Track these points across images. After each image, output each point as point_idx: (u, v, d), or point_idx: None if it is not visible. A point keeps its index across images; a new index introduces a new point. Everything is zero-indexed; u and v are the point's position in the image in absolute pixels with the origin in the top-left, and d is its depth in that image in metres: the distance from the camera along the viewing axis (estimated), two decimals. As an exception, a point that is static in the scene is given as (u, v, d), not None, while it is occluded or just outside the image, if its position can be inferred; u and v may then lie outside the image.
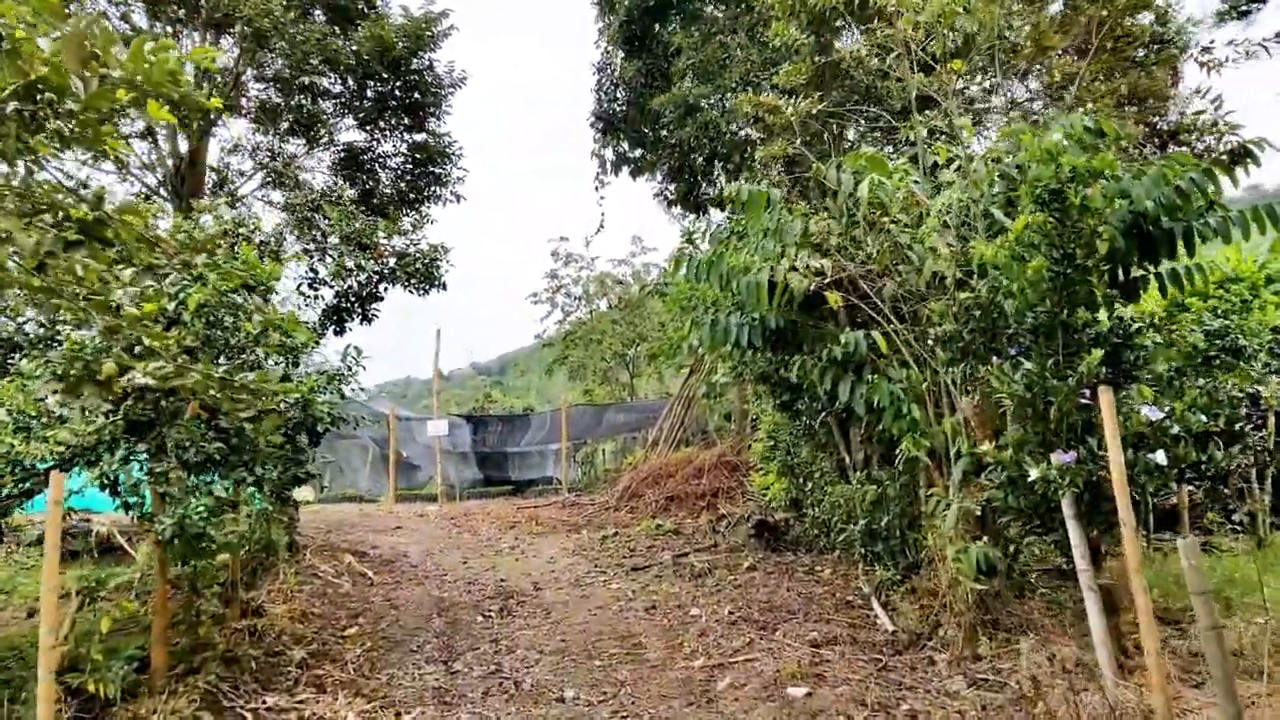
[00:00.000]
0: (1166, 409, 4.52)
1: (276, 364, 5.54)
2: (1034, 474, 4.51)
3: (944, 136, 6.18)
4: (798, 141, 6.03)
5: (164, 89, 3.32)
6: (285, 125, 10.74)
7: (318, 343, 6.02)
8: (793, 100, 6.11)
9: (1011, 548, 6.03)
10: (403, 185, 12.02)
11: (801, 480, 9.51)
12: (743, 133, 9.35)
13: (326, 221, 8.20)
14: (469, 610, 7.85)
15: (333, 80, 11.37)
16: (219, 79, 11.01)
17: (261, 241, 6.38)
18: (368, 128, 11.93)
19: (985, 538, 5.48)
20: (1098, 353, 4.41)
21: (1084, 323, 4.67)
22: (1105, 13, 11.85)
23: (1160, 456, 4.39)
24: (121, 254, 3.84)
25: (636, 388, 24.81)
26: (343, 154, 12.03)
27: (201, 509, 4.45)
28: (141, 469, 5.05)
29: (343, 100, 11.64)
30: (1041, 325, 4.74)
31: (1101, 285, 4.79)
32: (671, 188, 13.12)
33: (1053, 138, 4.52)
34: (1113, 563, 5.13)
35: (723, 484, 12.53)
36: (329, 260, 7.79)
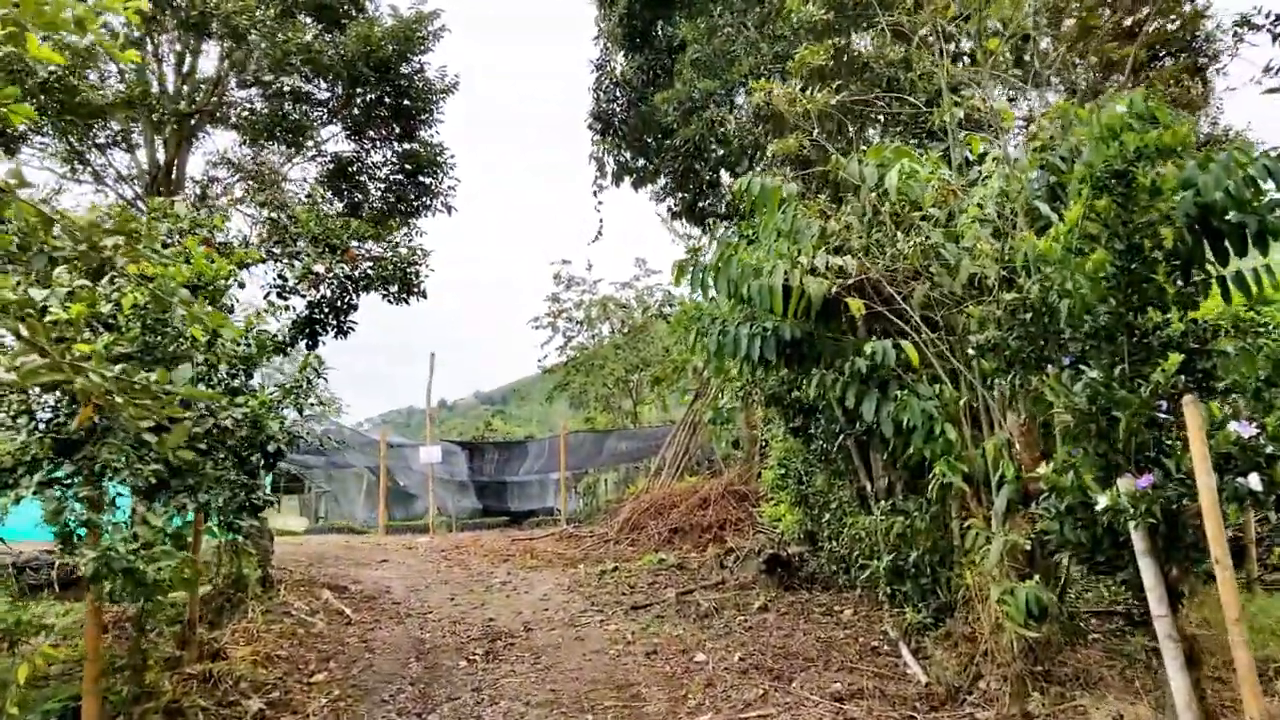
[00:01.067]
0: (1256, 425, 3.84)
1: (231, 374, 4.90)
2: (1103, 501, 3.82)
3: (977, 128, 5.60)
4: (815, 133, 5.45)
5: (55, 26, 2.73)
6: (267, 132, 10.20)
7: (285, 351, 5.36)
8: (809, 90, 5.53)
9: (1063, 588, 5.32)
10: (391, 197, 11.46)
11: (817, 511, 8.79)
12: (750, 135, 8.79)
13: (296, 224, 7.59)
14: (451, 654, 7.12)
15: (319, 86, 10.87)
16: (201, 86, 10.57)
17: (223, 242, 5.78)
18: (356, 137, 11.41)
19: (1036, 576, 4.76)
20: (1176, 357, 3.75)
21: (1154, 325, 4.01)
22: (1131, 20, 11.31)
23: (1254, 480, 3.70)
24: (24, 237, 3.24)
25: (640, 415, 24.13)
26: (330, 165, 11.52)
27: (128, 541, 3.79)
28: (70, 494, 4.41)
29: (330, 107, 11.14)
30: (1103, 328, 4.08)
31: (1171, 282, 4.14)
32: (675, 199, 12.55)
33: (1117, 109, 3.91)
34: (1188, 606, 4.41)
35: (730, 515, 11.79)
36: (298, 265, 7.18)
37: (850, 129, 6.63)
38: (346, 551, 12.63)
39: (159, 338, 3.96)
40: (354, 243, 7.48)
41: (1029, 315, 4.19)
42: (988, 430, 5.21)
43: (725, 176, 12.45)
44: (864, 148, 5.52)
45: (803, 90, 5.47)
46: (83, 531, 4.05)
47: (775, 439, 10.74)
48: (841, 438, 7.31)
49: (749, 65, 8.68)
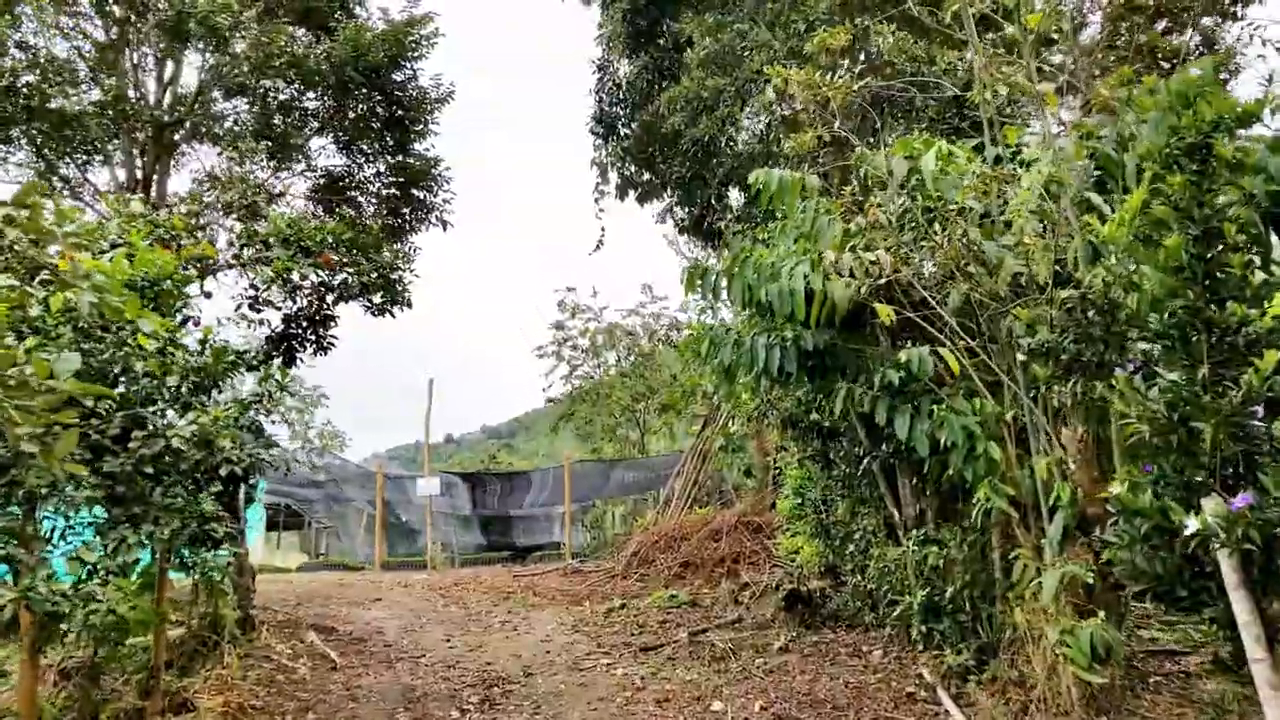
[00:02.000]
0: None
1: (186, 388, 4.38)
2: (1192, 525, 3.26)
3: (1011, 122, 5.14)
4: (836, 125, 5.00)
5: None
6: (253, 142, 9.78)
7: (255, 366, 4.83)
8: (831, 75, 5.10)
9: (1122, 626, 4.72)
10: (384, 211, 11.02)
11: (839, 543, 8.18)
12: (760, 145, 8.36)
13: (264, 224, 7.10)
14: (443, 702, 6.50)
15: (308, 96, 10.51)
16: (184, 98, 10.19)
17: (177, 243, 5.29)
18: (348, 150, 11.01)
19: (1101, 612, 4.17)
20: (1273, 355, 3.21)
21: (1239, 320, 3.48)
22: (1145, 37, 10.93)
23: (1373, 500, 3.15)
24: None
25: (647, 445, 23.51)
26: (321, 180, 11.12)
27: (47, 580, 3.26)
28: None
29: (319, 117, 10.75)
30: (1177, 326, 3.56)
31: (1251, 272, 3.62)
32: (682, 213, 12.09)
33: (1192, 73, 3.42)
34: None
35: (744, 547, 11.14)
36: (266, 270, 6.65)
37: (874, 122, 6.18)
38: (339, 590, 12.00)
39: (96, 344, 3.49)
40: (330, 247, 6.99)
41: (1091, 313, 3.66)
42: (1036, 448, 4.65)
43: (734, 194, 12.03)
44: (889, 141, 5.05)
45: (823, 76, 5.03)
46: (2, 569, 3.53)
47: (790, 466, 10.17)
48: (866, 461, 6.74)
49: (761, 60, 8.25)
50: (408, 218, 11.13)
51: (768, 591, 9.37)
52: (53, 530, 4.38)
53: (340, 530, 21.97)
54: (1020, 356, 3.89)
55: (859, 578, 7.74)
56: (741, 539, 11.36)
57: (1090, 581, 4.29)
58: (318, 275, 7.04)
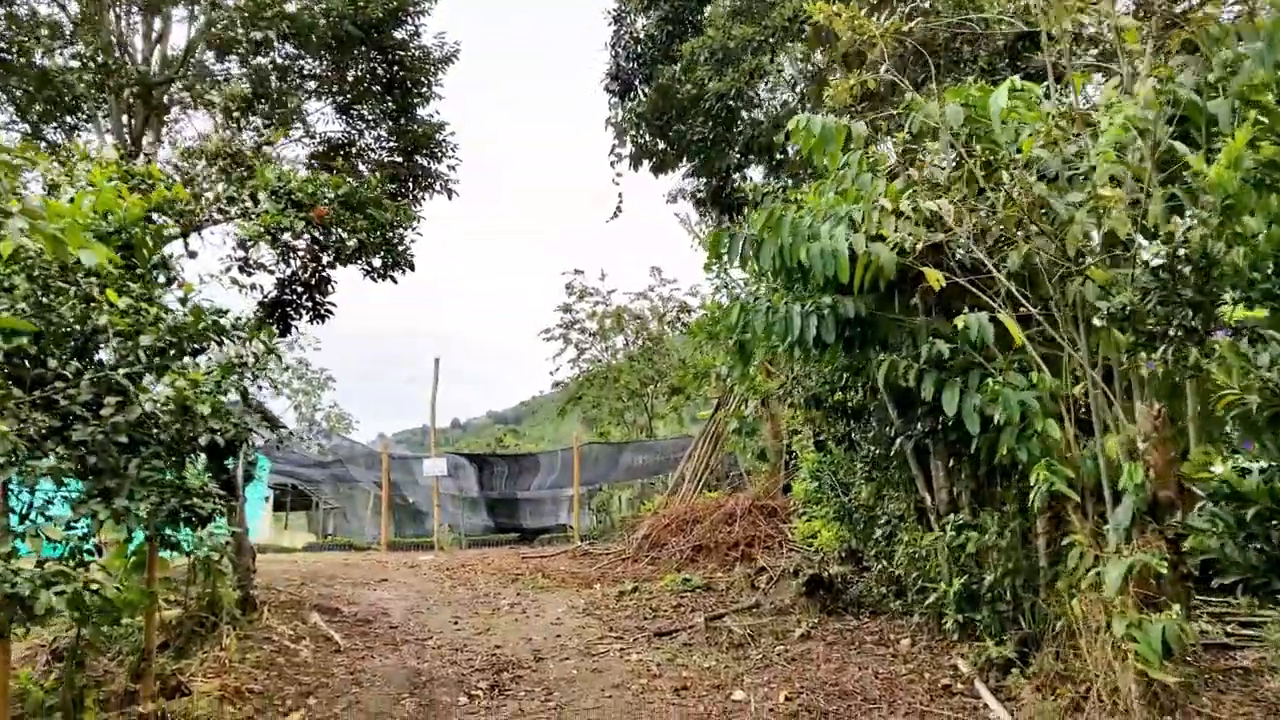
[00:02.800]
0: None
1: (165, 352, 3.98)
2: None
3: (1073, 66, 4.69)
4: (884, 69, 4.57)
5: None
6: (246, 107, 9.28)
7: (228, 325, 4.39)
8: (877, 13, 4.67)
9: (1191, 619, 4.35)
10: (386, 179, 10.51)
11: (862, 527, 7.83)
12: (786, 109, 7.86)
13: (250, 176, 6.58)
14: (451, 688, 6.19)
15: (305, 57, 9.99)
16: (173, 59, 9.70)
17: (160, 198, 4.82)
18: (347, 115, 10.51)
19: (1176, 605, 3.80)
20: (1405, 317, 2.82)
21: (1357, 279, 3.09)
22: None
23: None
24: None
25: (655, 430, 23.15)
26: (321, 147, 10.64)
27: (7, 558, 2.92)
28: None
29: (317, 78, 10.25)
30: (1285, 286, 3.16)
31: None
32: (699, 184, 11.58)
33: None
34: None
35: (759, 531, 10.79)
36: (251, 224, 6.13)
37: (917, 75, 5.73)
38: (344, 570, 11.71)
39: (56, 297, 3.12)
40: (326, 197, 6.49)
41: (1188, 269, 3.26)
42: (1101, 426, 4.26)
43: (754, 173, 11.56)
44: (936, 94, 4.63)
45: (869, 14, 4.59)
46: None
47: (806, 450, 9.81)
48: (899, 442, 6.36)
49: (793, 6, 7.73)
50: (411, 186, 10.64)
51: (785, 576, 9.03)
52: (30, 506, 4.04)
53: (347, 511, 21.76)
54: (1097, 322, 3.50)
55: (885, 564, 7.40)
56: (756, 523, 11.02)
57: (1162, 572, 3.92)
58: (311, 234, 6.56)
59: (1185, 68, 4.22)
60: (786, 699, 5.56)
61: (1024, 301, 4.31)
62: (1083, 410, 4.56)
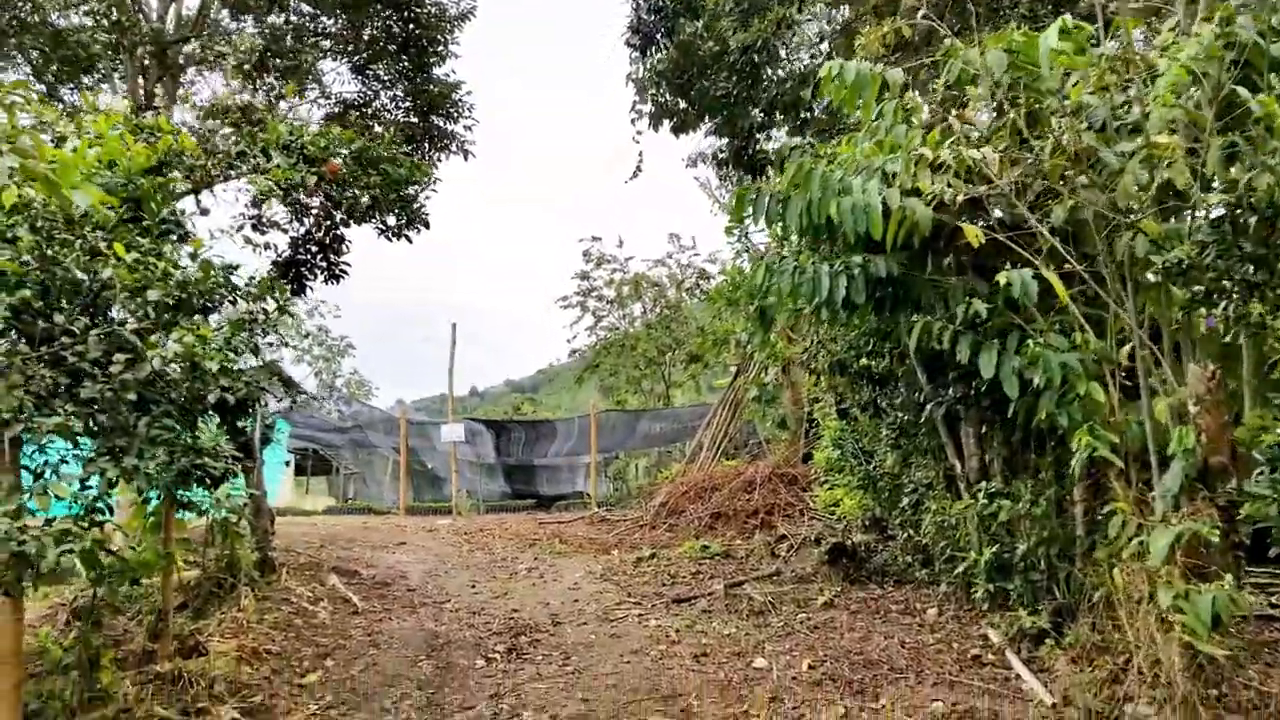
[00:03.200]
0: None
1: (173, 308, 3.87)
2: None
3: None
4: (919, 15, 4.31)
5: None
6: (260, 66, 9.10)
7: (240, 282, 4.26)
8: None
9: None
10: (402, 139, 10.32)
11: (887, 495, 7.67)
12: (813, 66, 7.55)
13: (262, 131, 6.40)
14: (468, 651, 6.15)
15: (320, 15, 9.76)
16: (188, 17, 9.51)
17: (171, 149, 4.70)
18: (363, 75, 10.31)
19: (1228, 576, 3.62)
20: None
21: None
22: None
23: None
24: None
25: (672, 398, 23.05)
26: (336, 109, 10.46)
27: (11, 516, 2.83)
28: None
29: (332, 36, 10.03)
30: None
31: None
32: (721, 144, 11.28)
33: None
34: None
35: (779, 500, 10.68)
36: (261, 179, 5.97)
37: (954, 22, 5.44)
38: (363, 533, 11.76)
39: (63, 249, 3.00)
40: (337, 154, 6.32)
41: (1253, 219, 3.02)
42: (1148, 389, 4.05)
43: (779, 134, 11.20)
44: (978, 35, 4.35)
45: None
46: None
47: (828, 418, 9.64)
48: (929, 409, 6.17)
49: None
50: (427, 147, 10.44)
51: (806, 544, 8.93)
52: (46, 464, 3.97)
53: (367, 476, 21.95)
54: (1152, 277, 3.28)
55: (911, 532, 7.25)
56: (776, 490, 10.91)
57: (1213, 541, 3.73)
58: (324, 190, 6.41)
59: (1247, 8, 3.92)
60: (810, 667, 5.46)
61: (1069, 258, 4.08)
62: (1124, 375, 4.34)
